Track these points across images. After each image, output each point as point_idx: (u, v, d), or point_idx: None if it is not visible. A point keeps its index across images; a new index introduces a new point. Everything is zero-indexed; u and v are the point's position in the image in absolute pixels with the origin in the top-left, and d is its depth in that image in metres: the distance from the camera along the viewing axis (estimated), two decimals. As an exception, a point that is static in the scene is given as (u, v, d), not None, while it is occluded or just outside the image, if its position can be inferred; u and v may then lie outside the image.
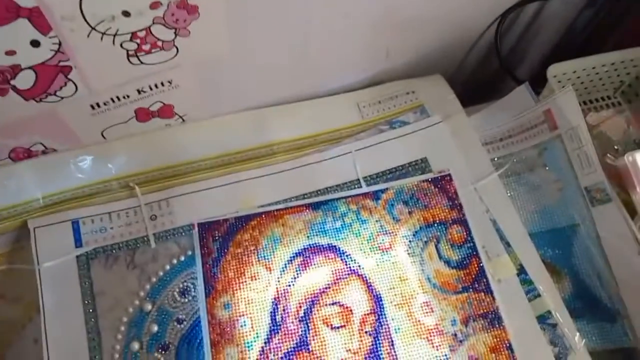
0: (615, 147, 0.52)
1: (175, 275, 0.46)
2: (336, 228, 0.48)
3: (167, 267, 0.46)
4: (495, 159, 0.52)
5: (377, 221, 0.49)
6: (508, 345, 0.45)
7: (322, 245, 0.47)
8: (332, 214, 0.49)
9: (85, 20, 0.35)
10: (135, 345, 0.44)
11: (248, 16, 0.41)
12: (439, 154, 0.52)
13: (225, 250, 0.47)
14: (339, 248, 0.47)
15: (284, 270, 0.46)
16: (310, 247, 0.47)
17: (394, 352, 0.44)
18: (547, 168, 0.50)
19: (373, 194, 0.50)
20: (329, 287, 0.46)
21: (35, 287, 0.45)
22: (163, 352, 0.44)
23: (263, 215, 0.48)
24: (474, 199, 0.50)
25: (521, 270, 0.47)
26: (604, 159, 0.49)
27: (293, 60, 0.49)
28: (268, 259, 0.47)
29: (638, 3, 0.54)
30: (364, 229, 0.48)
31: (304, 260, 0.47)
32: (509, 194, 0.51)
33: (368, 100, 0.57)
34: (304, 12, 0.44)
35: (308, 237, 0.48)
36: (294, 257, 0.47)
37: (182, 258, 0.47)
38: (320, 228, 0.48)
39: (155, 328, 0.44)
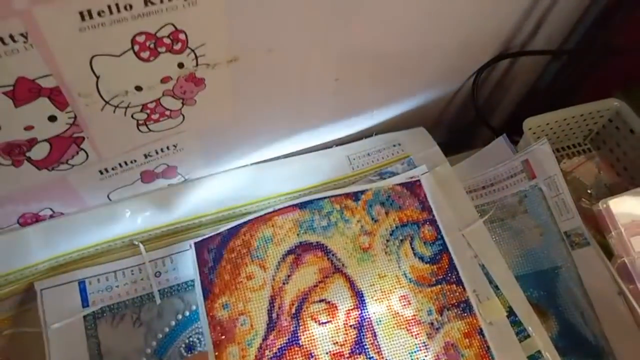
0: (589, 191, 0.55)
1: (181, 332, 0.47)
2: (323, 226, 0.51)
3: (173, 323, 0.47)
4: (479, 205, 0.55)
5: (358, 221, 0.52)
6: (479, 330, 0.48)
7: (312, 243, 0.50)
8: (319, 212, 0.51)
9: (101, 95, 0.36)
10: (144, 403, 0.44)
11: (249, 85, 0.43)
12: (433, 199, 0.54)
13: (220, 258, 0.48)
14: (327, 247, 0.50)
15: (277, 268, 0.48)
16: (301, 244, 0.50)
17: (377, 342, 0.47)
18: (528, 214, 0.52)
19: (353, 195, 0.53)
20: (317, 285, 0.48)
21: (42, 350, 0.45)
22: (171, 409, 0.44)
23: (253, 221, 0.50)
24: (462, 244, 0.52)
25: (510, 312, 0.49)
26: (580, 204, 0.51)
27: (289, 122, 0.52)
28: (262, 257, 0.48)
29: (598, 60, 0.58)
30: (348, 228, 0.51)
31: (296, 258, 0.49)
32: (494, 239, 0.53)
33: (357, 153, 0.59)
34: (299, 80, 0.46)
35: (298, 234, 0.50)
36: (286, 254, 0.49)
37: (187, 313, 0.47)
38: (309, 226, 0.51)
39: (163, 385, 0.44)
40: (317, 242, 0.50)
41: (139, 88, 0.37)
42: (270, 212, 0.51)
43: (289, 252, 0.50)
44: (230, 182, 0.54)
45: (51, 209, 0.47)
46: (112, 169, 0.44)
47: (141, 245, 0.49)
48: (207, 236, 0.50)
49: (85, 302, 0.47)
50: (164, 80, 0.37)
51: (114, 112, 0.38)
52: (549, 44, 0.62)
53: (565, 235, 0.49)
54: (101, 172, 0.44)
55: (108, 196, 0.49)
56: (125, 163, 0.45)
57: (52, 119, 0.36)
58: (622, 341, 0.46)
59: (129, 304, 0.47)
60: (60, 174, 0.42)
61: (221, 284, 0.47)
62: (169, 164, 0.48)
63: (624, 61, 0.60)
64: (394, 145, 0.60)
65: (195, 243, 0.49)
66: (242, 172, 0.55)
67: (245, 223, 0.50)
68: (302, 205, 0.52)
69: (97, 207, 0.49)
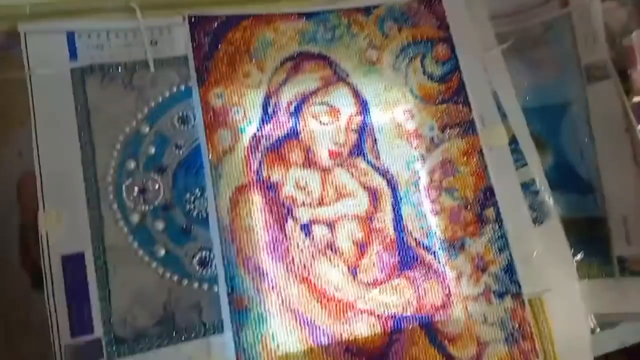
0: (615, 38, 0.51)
1: (174, 103, 0.43)
2: (327, 39, 0.47)
3: (167, 93, 0.43)
4: (500, 33, 0.51)
5: (366, 36, 0.48)
6: (479, 150, 0.47)
7: (313, 54, 0.47)
8: (324, 25, 0.48)
9: None
10: (131, 164, 0.41)
11: None
12: (452, 18, 0.50)
13: (217, 46, 0.45)
14: (329, 57, 0.47)
15: (275, 72, 0.46)
16: (302, 53, 0.47)
17: (377, 148, 0.46)
18: (549, 45, 0.49)
19: (365, 9, 0.49)
20: (318, 90, 0.46)
21: (20, 99, 0.41)
22: (160, 173, 0.41)
23: (254, 18, 0.46)
24: (477, 68, 0.49)
25: (512, 141, 0.48)
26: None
27: None
28: (260, 59, 0.46)
29: None
30: (354, 42, 0.48)
31: (294, 65, 0.46)
32: (507, 69, 0.50)
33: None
34: None
35: (299, 44, 0.47)
36: (285, 60, 0.46)
37: (183, 88, 0.43)
38: (312, 37, 0.47)
39: (152, 150, 0.42)
40: (318, 53, 0.47)
41: None
42: (274, 14, 0.47)
43: (288, 59, 0.46)
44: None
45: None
46: None
47: (137, 9, 0.44)
48: (203, 14, 0.45)
49: (73, 56, 0.42)
50: None
51: None
52: None
53: (584, 69, 0.47)
54: None
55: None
56: None
57: None
58: (615, 178, 0.46)
59: (121, 66, 0.43)
60: None
61: (216, 75, 0.44)
62: None
63: None
64: (421, -43, 0.54)
65: (189, 16, 0.45)
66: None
67: (247, 16, 0.46)
68: (307, 16, 0.47)
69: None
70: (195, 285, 0.40)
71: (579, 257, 0.47)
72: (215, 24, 0.45)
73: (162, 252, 0.40)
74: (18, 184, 0.41)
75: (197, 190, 0.41)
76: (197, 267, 0.40)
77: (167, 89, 0.43)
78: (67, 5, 0.43)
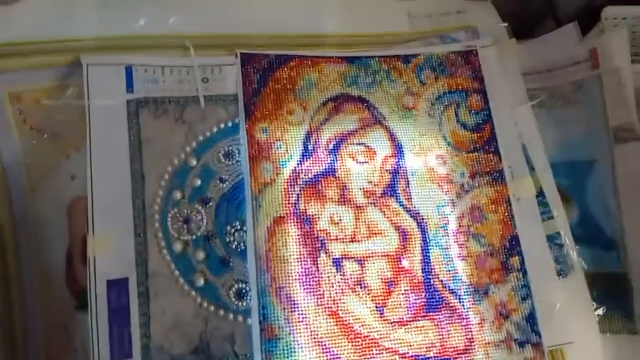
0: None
1: (221, 138, 0.45)
2: (367, 83, 0.50)
3: (215, 129, 0.45)
4: (531, 89, 0.52)
5: (404, 82, 0.51)
6: (507, 200, 0.49)
7: (353, 96, 0.49)
8: (365, 70, 0.50)
9: None
10: (177, 195, 0.43)
11: None
12: (487, 71, 0.52)
13: (265, 83, 0.47)
14: (368, 100, 0.49)
15: (317, 111, 0.48)
16: (343, 95, 0.49)
17: (409, 189, 0.48)
18: (579, 105, 0.51)
19: (404, 58, 0.52)
20: (356, 131, 0.48)
21: (77, 126, 0.43)
22: (204, 205, 0.43)
23: (301, 59, 0.49)
24: (508, 120, 0.51)
25: (539, 194, 0.49)
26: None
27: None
28: (304, 98, 0.48)
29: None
30: (392, 87, 0.50)
31: (336, 106, 0.49)
32: (537, 124, 0.51)
33: (420, 12, 0.55)
34: None
35: (341, 86, 0.49)
36: (327, 101, 0.49)
37: (230, 124, 0.46)
38: (353, 80, 0.50)
39: (198, 182, 0.43)
40: (359, 96, 0.49)
41: None
42: (319, 57, 0.49)
43: (330, 100, 0.49)
44: (287, 6, 0.51)
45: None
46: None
47: (192, 48, 0.46)
48: (254, 52, 0.48)
49: (130, 88, 0.44)
50: None
51: None
52: None
53: (612, 130, 0.48)
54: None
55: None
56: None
57: None
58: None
59: (173, 100, 0.45)
60: None
61: (263, 110, 0.47)
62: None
63: None
64: (458, 12, 0.56)
65: (241, 53, 0.47)
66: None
67: (294, 57, 0.49)
68: (350, 60, 0.50)
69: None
70: (231, 316, 0.41)
71: (601, 311, 0.47)
72: (265, 62, 0.48)
73: (202, 281, 0.41)
74: (69, 207, 0.42)
75: (237, 223, 0.43)
76: (234, 299, 0.41)
77: (215, 125, 0.45)
78: (127, 41, 0.46)
